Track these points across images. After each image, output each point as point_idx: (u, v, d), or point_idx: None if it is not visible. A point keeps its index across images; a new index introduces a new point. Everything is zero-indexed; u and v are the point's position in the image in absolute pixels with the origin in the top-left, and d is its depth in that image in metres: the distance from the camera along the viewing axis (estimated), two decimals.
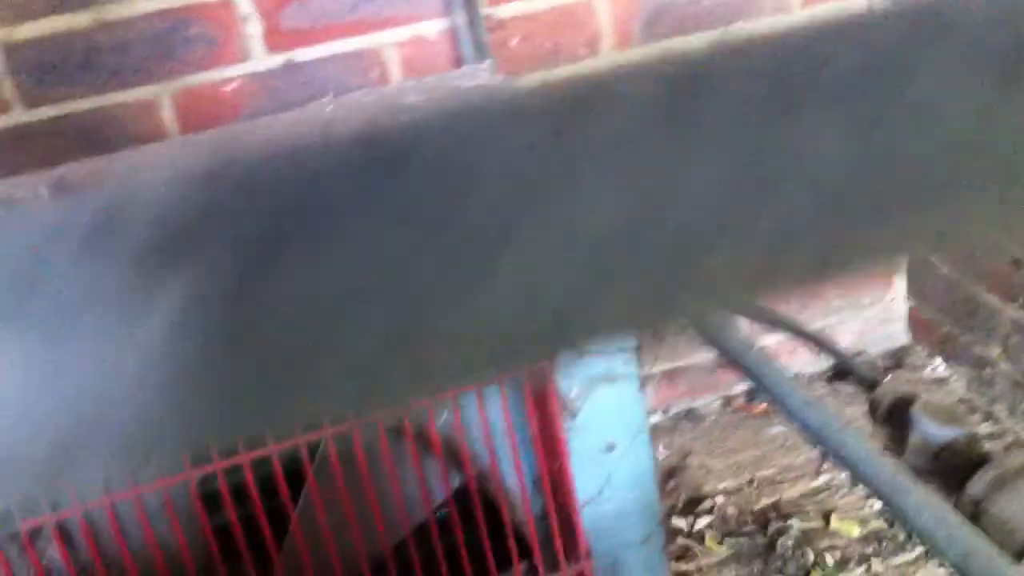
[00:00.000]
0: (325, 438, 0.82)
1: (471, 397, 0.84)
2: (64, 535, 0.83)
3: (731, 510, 1.27)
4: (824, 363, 1.43)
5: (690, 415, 1.41)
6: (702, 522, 1.25)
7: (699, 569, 1.20)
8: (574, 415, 0.87)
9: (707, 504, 1.27)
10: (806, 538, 1.22)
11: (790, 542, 1.22)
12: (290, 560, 0.87)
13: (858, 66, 0.23)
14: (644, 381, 0.94)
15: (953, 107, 0.24)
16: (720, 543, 1.23)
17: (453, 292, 0.20)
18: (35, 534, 0.79)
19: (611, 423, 0.90)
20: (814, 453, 1.33)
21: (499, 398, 0.85)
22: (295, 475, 0.90)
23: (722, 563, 1.21)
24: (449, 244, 0.20)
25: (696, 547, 1.22)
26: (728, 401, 1.42)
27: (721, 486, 1.30)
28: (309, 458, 0.85)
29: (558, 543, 0.88)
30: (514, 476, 0.88)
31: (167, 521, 0.84)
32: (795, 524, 1.24)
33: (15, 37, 1.06)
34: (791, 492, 1.29)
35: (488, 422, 0.86)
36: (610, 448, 0.90)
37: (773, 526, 1.24)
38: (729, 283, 0.23)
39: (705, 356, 1.38)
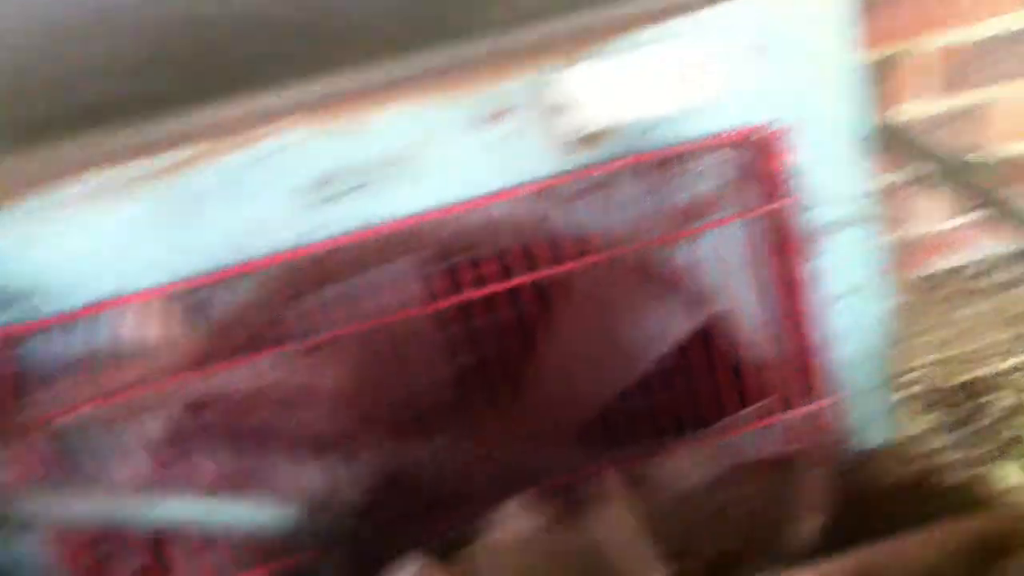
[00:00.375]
0: (570, 274, 0.84)
1: (713, 234, 0.84)
2: (312, 361, 0.86)
3: (929, 385, 1.25)
4: None
5: None
6: (899, 395, 1.24)
7: (899, 441, 1.19)
8: (814, 257, 0.87)
9: (904, 379, 1.26)
10: (1010, 412, 1.20)
11: (992, 416, 1.20)
12: (532, 396, 0.90)
13: None
14: None
15: None
16: (919, 416, 1.22)
17: None
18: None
19: (849, 267, 0.89)
20: (1013, 332, 1.30)
21: (741, 237, 0.86)
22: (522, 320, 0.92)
23: (921, 436, 1.20)
24: None
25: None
26: (924, 279, 1.39)
27: (917, 362, 1.28)
28: (551, 296, 0.87)
29: (797, 382, 0.89)
30: (752, 316, 0.88)
31: (410, 355, 0.87)
32: (997, 399, 1.22)
33: None
34: (990, 369, 1.26)
35: (728, 261, 0.86)
36: (847, 293, 0.90)
37: (973, 401, 1.23)
38: None
39: (895, 232, 1.35)
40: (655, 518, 0.53)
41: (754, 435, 0.89)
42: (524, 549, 0.53)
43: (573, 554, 0.53)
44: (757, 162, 0.84)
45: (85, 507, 0.70)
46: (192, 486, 0.81)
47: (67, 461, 0.83)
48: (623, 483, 0.55)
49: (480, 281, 0.83)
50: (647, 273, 0.86)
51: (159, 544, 0.92)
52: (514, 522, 0.55)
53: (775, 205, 0.85)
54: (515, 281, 0.82)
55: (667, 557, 0.50)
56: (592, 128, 0.83)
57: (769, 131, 0.85)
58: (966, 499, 0.52)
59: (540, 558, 0.53)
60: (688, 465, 0.58)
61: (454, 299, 0.82)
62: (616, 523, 0.53)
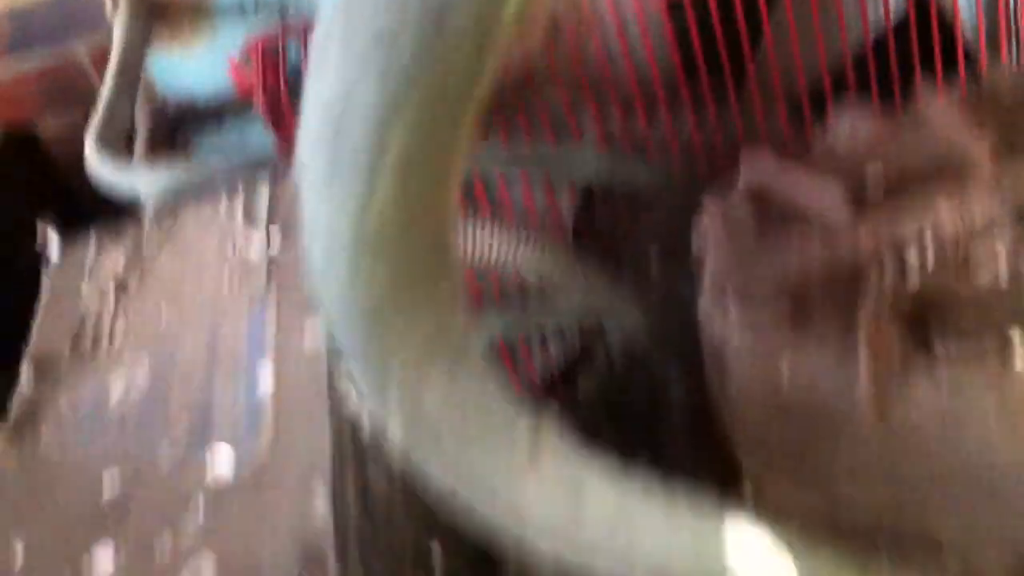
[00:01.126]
0: None
1: None
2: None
3: None
4: None
5: None
6: None
7: None
8: None
9: None
10: None
11: None
12: (760, 71, 0.95)
13: None
14: None
15: None
16: None
17: None
18: None
19: None
20: None
21: None
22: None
23: None
24: None
25: None
26: None
27: None
28: None
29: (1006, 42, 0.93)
30: None
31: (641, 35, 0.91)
32: None
33: None
34: None
35: None
36: None
37: None
38: None
39: None
40: (985, 118, 0.58)
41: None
42: (862, 151, 0.60)
43: (909, 149, 0.59)
44: None
45: None
46: None
47: None
48: (950, 93, 0.60)
49: None
50: None
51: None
52: (851, 127, 0.61)
53: None
54: None
55: (998, 145, 0.56)
56: None
57: None
58: None
59: (877, 155, 0.59)
60: (1010, 85, 0.62)
61: None
62: (950, 120, 0.59)
